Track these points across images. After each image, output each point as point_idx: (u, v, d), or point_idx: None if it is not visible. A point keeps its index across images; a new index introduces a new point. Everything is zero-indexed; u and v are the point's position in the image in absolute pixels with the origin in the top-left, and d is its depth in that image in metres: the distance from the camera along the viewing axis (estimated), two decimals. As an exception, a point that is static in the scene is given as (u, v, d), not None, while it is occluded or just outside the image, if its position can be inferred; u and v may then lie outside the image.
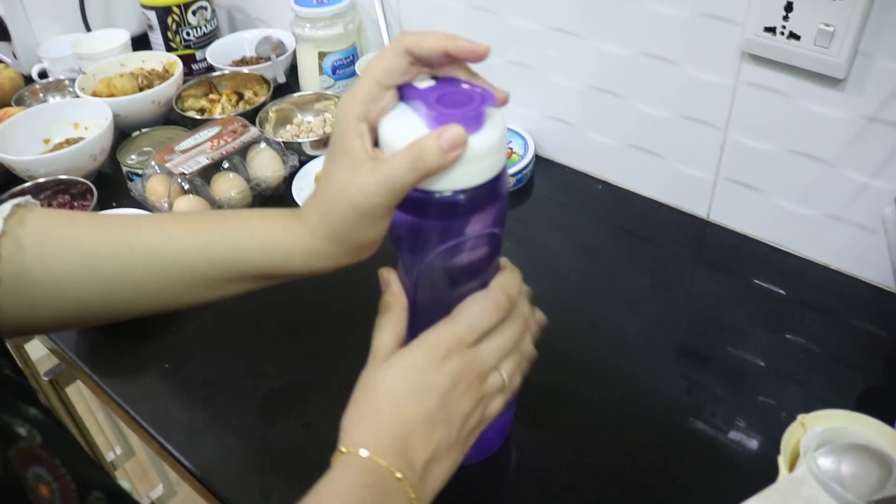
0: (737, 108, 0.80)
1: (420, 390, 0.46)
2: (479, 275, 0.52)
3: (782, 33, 0.72)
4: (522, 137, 0.99)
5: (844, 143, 0.75)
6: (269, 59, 1.17)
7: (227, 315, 0.80)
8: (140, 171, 0.94)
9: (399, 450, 0.45)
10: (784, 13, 0.71)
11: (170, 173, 0.89)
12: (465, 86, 0.47)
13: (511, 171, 0.95)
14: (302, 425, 0.69)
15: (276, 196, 0.97)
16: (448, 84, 0.47)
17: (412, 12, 1.05)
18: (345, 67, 1.10)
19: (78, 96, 1.07)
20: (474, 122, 0.45)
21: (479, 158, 0.45)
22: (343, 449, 0.45)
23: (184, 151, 0.91)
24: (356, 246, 0.50)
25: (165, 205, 0.89)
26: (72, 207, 0.93)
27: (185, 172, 0.88)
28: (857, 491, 0.52)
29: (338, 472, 0.44)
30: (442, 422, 0.47)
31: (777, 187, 0.82)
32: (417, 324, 0.51)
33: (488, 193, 0.47)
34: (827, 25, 0.68)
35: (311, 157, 1.00)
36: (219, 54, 1.19)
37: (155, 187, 0.91)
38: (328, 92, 1.09)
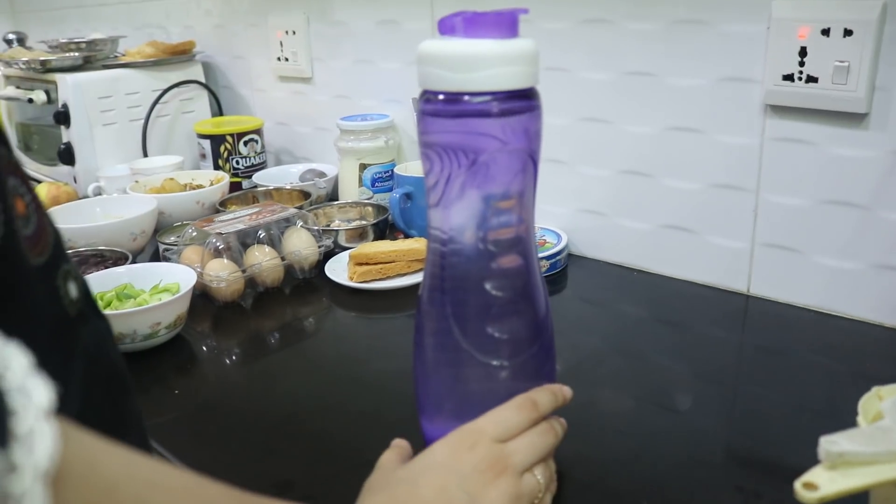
0: (766, 167, 0.82)
1: (438, 469, 0.44)
2: (511, 225, 0.52)
3: (800, 78, 0.76)
4: (556, 233, 1.01)
5: (877, 183, 0.75)
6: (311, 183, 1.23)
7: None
8: (175, 245, 0.96)
9: None
10: (799, 59, 0.75)
11: (206, 235, 0.91)
12: None
13: (545, 254, 0.95)
14: None
15: (309, 279, 0.97)
16: None
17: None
18: (384, 181, 1.15)
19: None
20: (509, 27, 0.49)
21: (513, 62, 0.48)
22: None
23: (223, 221, 0.94)
24: None
25: (198, 268, 0.89)
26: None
27: (221, 232, 0.90)
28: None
29: None
30: None
31: (815, 244, 0.81)
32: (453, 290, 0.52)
33: (520, 103, 0.50)
34: (841, 62, 0.73)
35: (345, 248, 1.01)
36: (264, 180, 1.26)
37: (189, 255, 0.92)
38: (365, 200, 1.14)
